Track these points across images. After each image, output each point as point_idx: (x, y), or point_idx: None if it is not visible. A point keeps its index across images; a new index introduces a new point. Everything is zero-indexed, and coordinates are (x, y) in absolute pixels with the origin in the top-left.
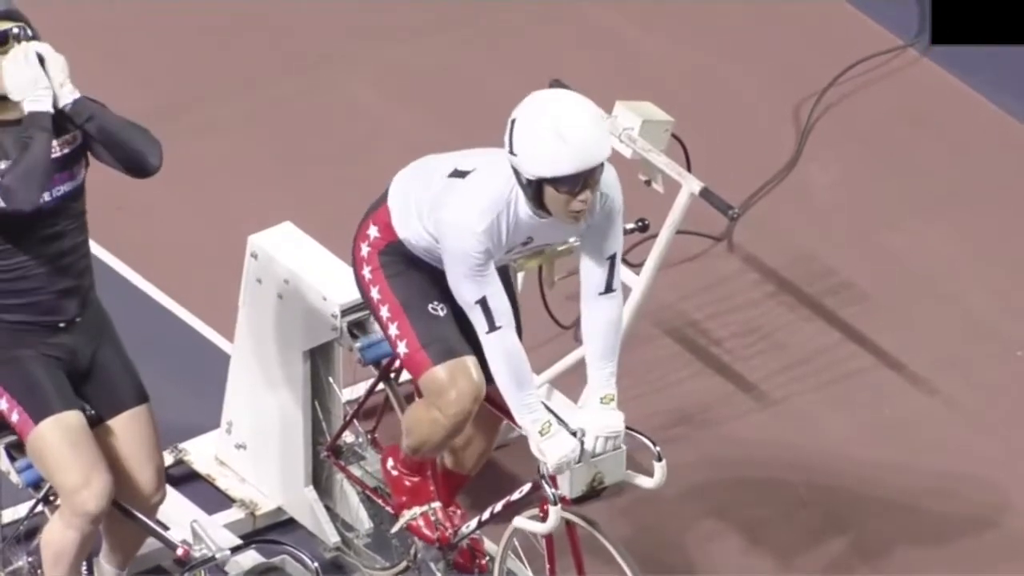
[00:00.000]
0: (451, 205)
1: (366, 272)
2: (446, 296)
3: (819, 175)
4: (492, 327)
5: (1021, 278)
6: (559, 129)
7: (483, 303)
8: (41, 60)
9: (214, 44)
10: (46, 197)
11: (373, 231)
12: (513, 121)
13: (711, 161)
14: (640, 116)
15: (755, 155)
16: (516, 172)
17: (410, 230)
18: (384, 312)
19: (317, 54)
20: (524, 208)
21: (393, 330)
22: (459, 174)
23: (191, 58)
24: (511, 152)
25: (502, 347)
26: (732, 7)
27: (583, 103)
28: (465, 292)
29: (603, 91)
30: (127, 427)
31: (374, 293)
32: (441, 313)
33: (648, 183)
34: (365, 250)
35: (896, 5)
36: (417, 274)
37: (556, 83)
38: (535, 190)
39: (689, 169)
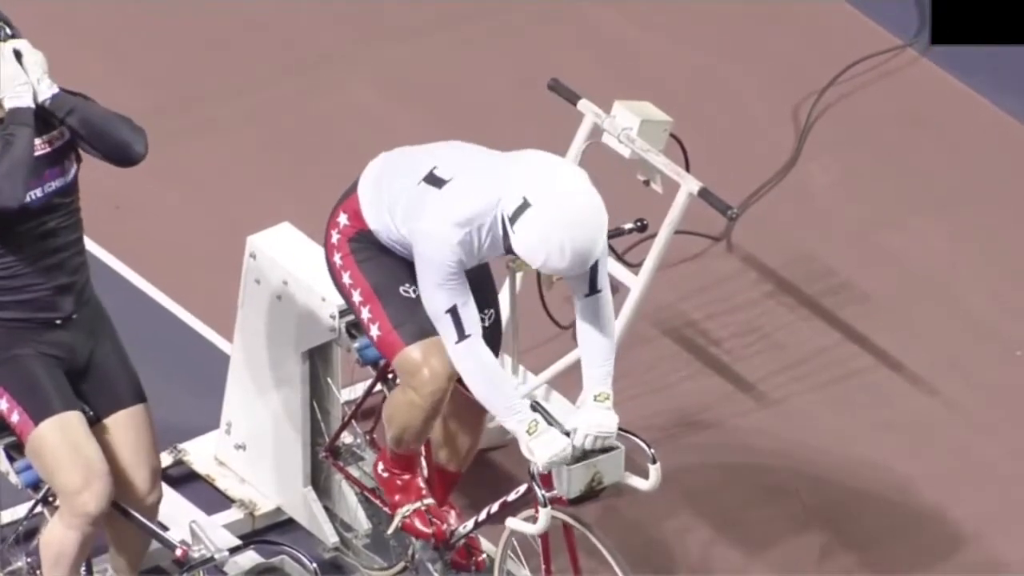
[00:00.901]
0: (426, 216)
1: (336, 259)
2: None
3: (818, 175)
4: (461, 336)
5: (1021, 278)
6: (564, 245)
7: (453, 312)
8: (19, 56)
9: (214, 44)
10: (37, 193)
11: (343, 219)
12: (525, 204)
13: (710, 161)
14: (639, 116)
15: (754, 155)
16: (505, 225)
17: (380, 222)
18: (356, 297)
19: (317, 54)
20: (499, 229)
21: (365, 314)
22: (435, 181)
23: (191, 58)
24: (511, 223)
25: (473, 355)
26: (731, 7)
27: (599, 218)
28: (437, 301)
29: (603, 91)
30: (124, 426)
31: (345, 278)
32: (413, 295)
33: (647, 183)
34: (335, 237)
35: (895, 5)
36: (388, 258)
37: (555, 83)
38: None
39: (688, 169)
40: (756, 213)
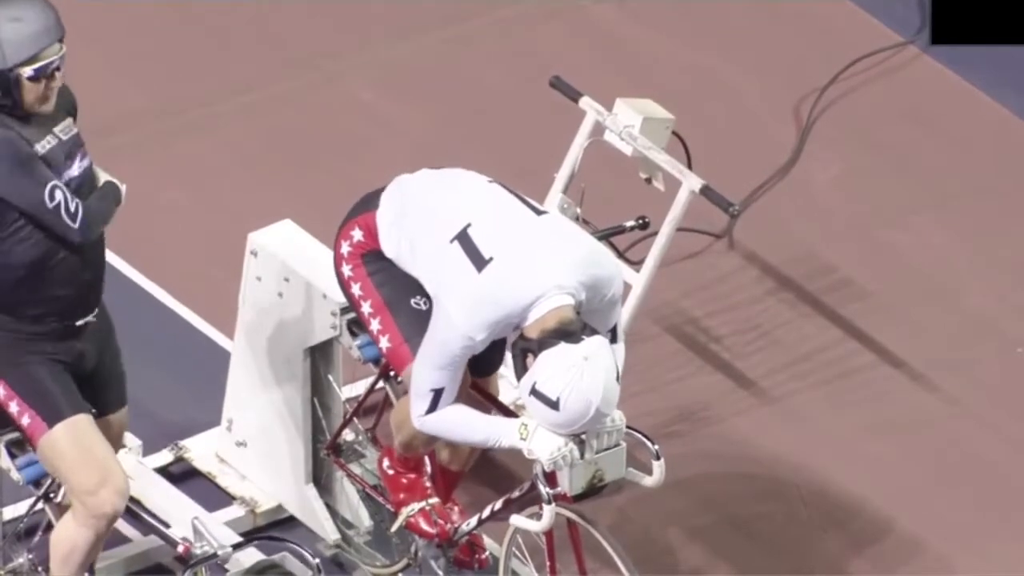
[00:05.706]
0: (457, 297)
1: (346, 270)
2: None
3: (819, 172)
4: (430, 412)
5: (1021, 275)
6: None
7: (437, 393)
8: None
9: (214, 43)
10: (74, 172)
11: (357, 234)
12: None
13: (712, 158)
14: (641, 113)
15: (756, 152)
16: (525, 344)
17: (396, 254)
18: (366, 308)
19: (317, 52)
20: (523, 322)
21: (375, 325)
22: (471, 250)
23: (191, 57)
24: (533, 353)
25: (436, 422)
26: (732, 5)
27: (615, 392)
28: (428, 379)
29: (603, 89)
30: (105, 428)
31: (355, 290)
32: (424, 307)
33: (648, 181)
34: (346, 249)
35: (897, 2)
36: (398, 270)
37: (557, 80)
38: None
39: (690, 166)
40: (757, 210)
